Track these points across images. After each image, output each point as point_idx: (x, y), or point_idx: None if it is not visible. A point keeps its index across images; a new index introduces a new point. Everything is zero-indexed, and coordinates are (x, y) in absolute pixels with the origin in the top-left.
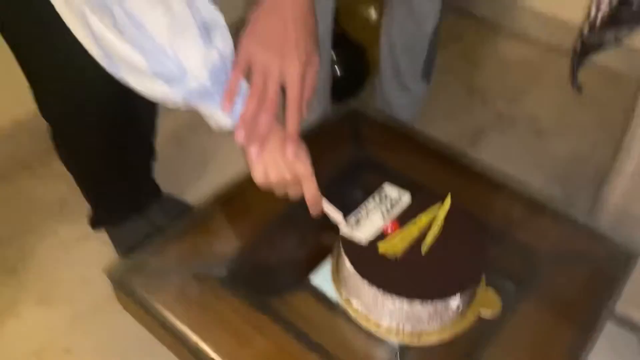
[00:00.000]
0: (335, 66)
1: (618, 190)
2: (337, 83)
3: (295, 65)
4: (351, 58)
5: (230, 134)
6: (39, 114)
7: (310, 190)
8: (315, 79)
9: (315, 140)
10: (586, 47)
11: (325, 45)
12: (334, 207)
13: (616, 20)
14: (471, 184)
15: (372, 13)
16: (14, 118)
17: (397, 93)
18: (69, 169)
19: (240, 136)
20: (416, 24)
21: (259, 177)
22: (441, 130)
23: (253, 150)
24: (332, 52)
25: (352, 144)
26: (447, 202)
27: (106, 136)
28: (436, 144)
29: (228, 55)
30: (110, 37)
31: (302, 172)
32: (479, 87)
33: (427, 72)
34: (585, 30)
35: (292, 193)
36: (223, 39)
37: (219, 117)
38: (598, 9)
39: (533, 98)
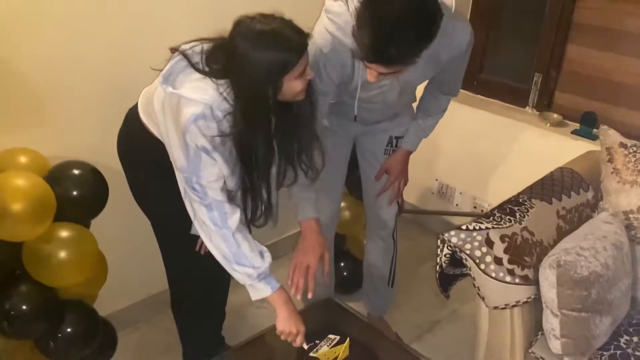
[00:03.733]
0: (344, 270)
1: None
2: (343, 282)
3: (314, 258)
4: (352, 267)
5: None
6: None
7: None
8: (328, 258)
9: (302, 313)
10: (443, 278)
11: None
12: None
13: (456, 262)
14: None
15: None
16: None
17: (372, 293)
18: (178, 323)
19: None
20: (383, 255)
21: (279, 328)
22: (410, 319)
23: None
24: (341, 262)
25: (324, 320)
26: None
27: (208, 306)
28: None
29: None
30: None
31: (300, 329)
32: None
33: (391, 282)
34: (438, 268)
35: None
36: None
37: (262, 291)
38: (442, 251)
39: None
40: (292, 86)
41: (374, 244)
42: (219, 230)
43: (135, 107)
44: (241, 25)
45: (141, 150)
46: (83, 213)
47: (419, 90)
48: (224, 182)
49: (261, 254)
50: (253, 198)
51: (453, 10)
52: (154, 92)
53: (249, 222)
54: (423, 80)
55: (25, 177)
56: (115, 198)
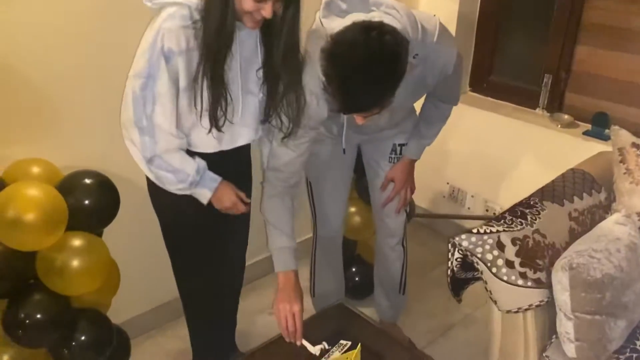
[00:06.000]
0: (356, 275)
1: None
2: (355, 287)
3: (297, 305)
4: (363, 272)
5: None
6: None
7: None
8: (300, 310)
9: (314, 319)
10: (455, 283)
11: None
12: (310, 344)
13: (467, 266)
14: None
15: None
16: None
17: (383, 301)
18: (190, 331)
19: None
20: (393, 263)
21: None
22: (422, 324)
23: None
24: (353, 267)
25: (335, 325)
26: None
27: (219, 314)
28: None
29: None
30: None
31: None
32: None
33: (402, 289)
34: (449, 272)
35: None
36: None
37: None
38: (453, 255)
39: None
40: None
41: (383, 253)
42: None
43: None
44: None
45: None
46: (95, 222)
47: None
48: (174, 105)
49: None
50: (213, 102)
51: (436, 35)
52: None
53: (213, 123)
54: (414, 101)
55: (38, 187)
56: (127, 206)
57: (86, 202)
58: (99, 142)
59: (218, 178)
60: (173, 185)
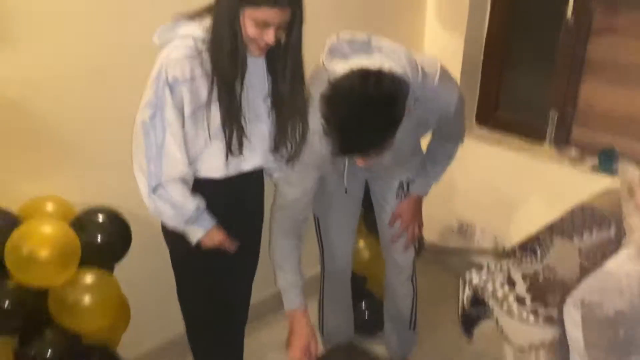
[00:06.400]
0: (366, 311)
1: None
2: (365, 324)
3: (314, 348)
4: (373, 308)
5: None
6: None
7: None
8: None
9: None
10: (466, 320)
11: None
12: None
13: (478, 302)
14: None
15: None
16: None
17: (393, 338)
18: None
19: None
20: (402, 299)
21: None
22: None
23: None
24: (363, 303)
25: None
26: None
27: (226, 350)
28: None
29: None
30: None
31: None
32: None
33: (413, 325)
34: (460, 309)
35: None
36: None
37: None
38: (463, 292)
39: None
40: (247, 25)
41: (393, 289)
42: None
43: None
44: None
45: None
46: (107, 258)
47: None
48: (182, 128)
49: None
50: (228, 126)
51: (437, 77)
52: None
53: (228, 149)
54: (416, 141)
55: (51, 225)
56: (138, 242)
57: (99, 238)
58: (112, 178)
59: (213, 221)
60: (170, 220)
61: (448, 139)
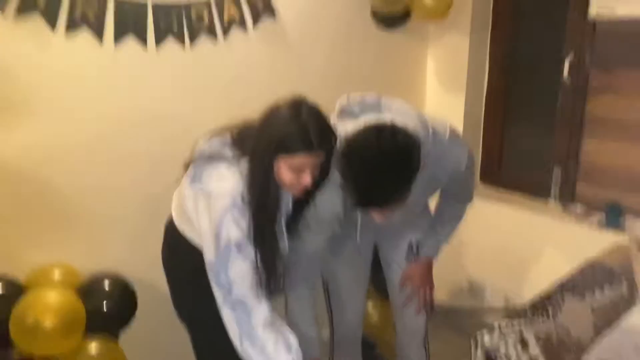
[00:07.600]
0: None
1: None
2: None
3: None
4: None
5: None
6: None
7: None
8: None
9: None
10: None
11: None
12: None
13: None
14: None
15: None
16: None
17: None
18: None
19: None
20: None
21: None
22: None
23: None
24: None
25: None
26: None
27: None
28: None
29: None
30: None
31: None
32: None
33: None
34: None
35: None
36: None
37: None
38: (475, 353)
39: None
40: (281, 171)
41: (405, 354)
42: (243, 331)
43: (170, 217)
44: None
45: (185, 262)
46: (113, 325)
47: None
48: (252, 278)
49: (287, 346)
50: (267, 271)
51: (448, 134)
52: (184, 193)
53: (267, 290)
54: (427, 198)
55: (57, 293)
56: (144, 309)
57: (104, 305)
58: (119, 245)
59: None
60: None
61: (458, 198)
